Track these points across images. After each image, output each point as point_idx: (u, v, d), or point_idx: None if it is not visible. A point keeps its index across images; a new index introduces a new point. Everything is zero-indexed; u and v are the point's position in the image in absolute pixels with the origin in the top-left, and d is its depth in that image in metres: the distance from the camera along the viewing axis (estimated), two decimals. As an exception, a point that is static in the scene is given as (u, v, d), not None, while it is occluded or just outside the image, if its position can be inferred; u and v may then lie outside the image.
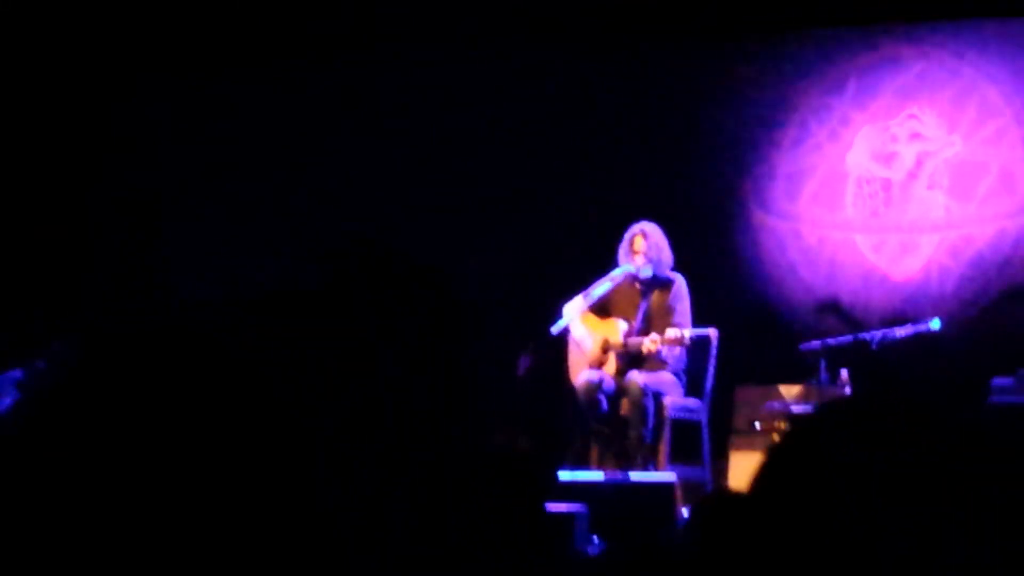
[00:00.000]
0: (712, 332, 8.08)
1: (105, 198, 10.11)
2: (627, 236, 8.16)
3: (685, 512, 6.97)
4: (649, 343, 7.91)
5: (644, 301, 8.14)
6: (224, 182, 10.04)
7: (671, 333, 7.84)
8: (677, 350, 7.96)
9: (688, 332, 7.90)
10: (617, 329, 8.07)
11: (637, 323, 8.09)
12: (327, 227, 9.72)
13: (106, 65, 9.93)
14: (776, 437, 8.23)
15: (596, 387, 7.90)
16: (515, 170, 9.69)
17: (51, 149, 9.77)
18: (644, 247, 8.09)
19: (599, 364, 8.07)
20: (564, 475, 6.91)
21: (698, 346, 8.03)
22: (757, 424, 8.30)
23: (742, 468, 7.94)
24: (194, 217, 10.06)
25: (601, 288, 8.09)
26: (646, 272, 8.10)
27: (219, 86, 10.18)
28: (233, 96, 10.13)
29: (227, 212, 9.97)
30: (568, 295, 8.14)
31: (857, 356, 8.17)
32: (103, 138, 10.10)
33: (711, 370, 8.14)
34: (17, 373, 6.32)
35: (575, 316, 8.09)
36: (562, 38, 9.64)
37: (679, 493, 7.19)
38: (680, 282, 8.17)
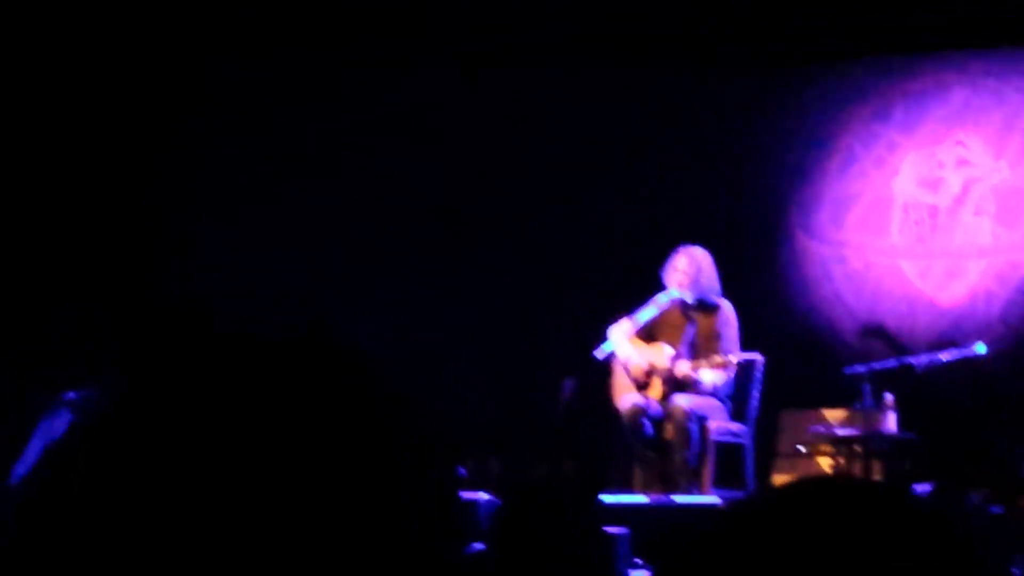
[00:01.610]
0: (757, 356, 8.10)
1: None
2: (671, 260, 8.21)
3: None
4: (683, 368, 7.93)
5: (690, 326, 8.16)
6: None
7: (717, 359, 7.87)
8: (723, 375, 7.97)
9: (735, 357, 7.91)
10: (663, 354, 8.09)
11: (683, 348, 8.11)
12: (363, 232, 9.76)
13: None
14: (820, 462, 8.26)
15: (641, 411, 7.93)
16: (562, 192, 9.74)
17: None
18: (684, 266, 8.13)
19: (644, 388, 8.10)
20: (608, 498, 6.95)
21: (743, 370, 8.05)
22: (802, 448, 8.32)
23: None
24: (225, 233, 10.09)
25: (647, 313, 8.12)
26: (690, 297, 8.13)
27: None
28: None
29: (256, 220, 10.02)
30: (614, 319, 8.17)
31: (902, 380, 8.17)
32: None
33: (755, 394, 8.16)
34: (72, 395, 6.37)
35: (621, 340, 8.13)
36: (610, 61, 9.69)
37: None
38: (727, 307, 8.18)
